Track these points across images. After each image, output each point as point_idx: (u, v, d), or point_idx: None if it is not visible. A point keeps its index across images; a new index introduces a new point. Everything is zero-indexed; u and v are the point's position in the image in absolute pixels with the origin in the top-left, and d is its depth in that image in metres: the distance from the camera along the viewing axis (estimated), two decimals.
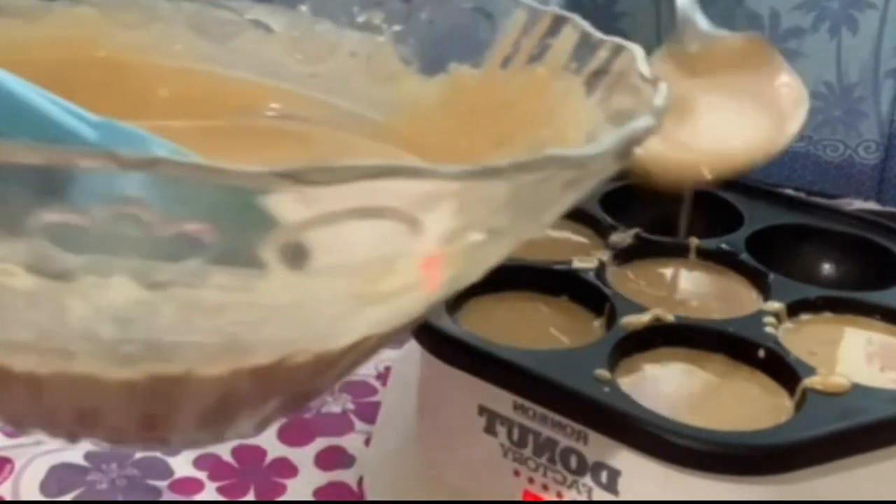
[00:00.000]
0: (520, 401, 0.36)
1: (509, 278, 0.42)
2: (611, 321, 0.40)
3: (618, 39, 0.31)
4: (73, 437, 0.28)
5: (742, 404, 0.37)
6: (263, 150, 0.36)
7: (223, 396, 0.26)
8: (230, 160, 0.19)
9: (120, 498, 0.41)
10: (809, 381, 0.36)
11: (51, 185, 0.19)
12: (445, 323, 0.38)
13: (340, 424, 0.46)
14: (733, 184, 0.52)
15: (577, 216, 0.48)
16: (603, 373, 0.36)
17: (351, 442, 0.45)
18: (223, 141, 0.35)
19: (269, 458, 0.43)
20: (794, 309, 0.41)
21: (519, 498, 0.37)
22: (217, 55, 0.37)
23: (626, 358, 0.38)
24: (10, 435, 0.44)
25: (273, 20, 0.38)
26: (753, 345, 0.38)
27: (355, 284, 0.23)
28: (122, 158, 0.18)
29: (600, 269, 0.43)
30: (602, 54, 0.31)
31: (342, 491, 0.42)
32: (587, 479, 0.35)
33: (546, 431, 0.36)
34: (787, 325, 0.41)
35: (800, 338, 0.40)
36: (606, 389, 0.35)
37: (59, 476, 0.42)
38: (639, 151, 0.25)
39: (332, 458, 0.44)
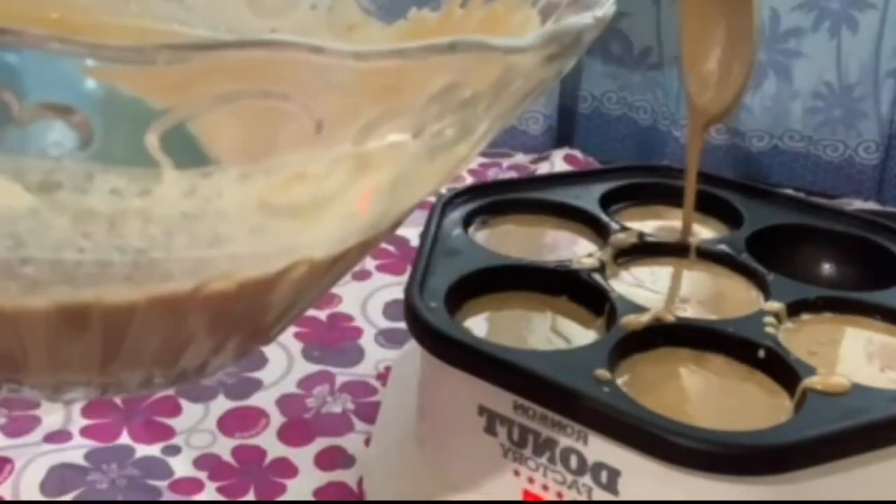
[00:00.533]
0: (520, 401, 0.36)
1: (509, 278, 0.42)
2: (611, 321, 0.40)
3: None
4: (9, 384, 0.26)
5: (742, 404, 0.37)
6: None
7: (142, 330, 0.24)
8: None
9: (120, 498, 0.41)
10: (809, 381, 0.36)
11: None
12: (445, 323, 0.38)
13: (340, 424, 0.46)
14: (733, 184, 0.52)
15: (577, 216, 0.48)
16: (603, 373, 0.36)
17: (351, 442, 0.45)
18: None
19: (269, 458, 0.43)
20: (794, 309, 0.41)
21: (519, 498, 0.37)
22: (174, 14, 0.37)
23: (626, 358, 0.38)
24: (10, 435, 0.44)
25: None
26: (753, 345, 0.38)
27: (262, 190, 0.21)
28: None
29: (600, 269, 0.43)
30: None
31: (342, 491, 0.42)
32: (587, 479, 0.35)
33: (546, 431, 0.36)
34: (787, 325, 0.41)
35: (800, 338, 0.40)
36: (606, 389, 0.35)
37: (59, 476, 0.42)
38: None
39: (332, 458, 0.44)
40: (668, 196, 0.51)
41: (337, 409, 0.47)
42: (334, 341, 0.52)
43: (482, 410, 0.37)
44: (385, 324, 0.54)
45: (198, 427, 0.45)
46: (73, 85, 0.19)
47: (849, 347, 0.40)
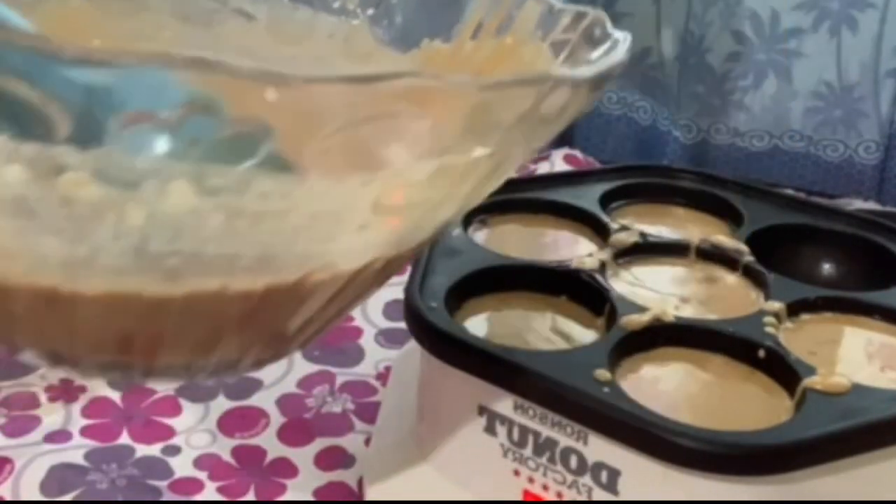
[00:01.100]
0: (520, 401, 0.36)
1: (509, 278, 0.42)
2: (611, 321, 0.40)
3: (580, 7, 0.34)
4: (103, 371, 0.30)
5: (742, 404, 0.37)
6: None
7: (251, 314, 0.27)
8: None
9: (120, 498, 0.41)
10: (809, 381, 0.36)
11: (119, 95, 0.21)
12: (445, 323, 0.38)
13: (340, 424, 0.46)
14: (733, 184, 0.52)
15: (577, 216, 0.48)
16: (603, 373, 0.36)
17: (351, 442, 0.45)
18: None
19: (269, 458, 0.43)
20: (794, 309, 0.41)
21: (519, 498, 0.37)
22: (203, 42, 0.38)
23: (626, 358, 0.38)
24: (10, 435, 0.44)
25: (255, 8, 0.39)
26: (753, 345, 0.38)
27: (378, 195, 0.25)
28: (175, 59, 0.20)
29: (600, 269, 0.43)
30: (565, 20, 0.34)
31: (342, 491, 0.42)
32: (587, 479, 0.35)
33: (546, 431, 0.36)
34: (787, 325, 0.41)
35: (800, 338, 0.40)
36: (606, 389, 0.35)
37: (59, 476, 0.42)
38: None
39: (332, 458, 0.44)
40: (668, 196, 0.51)
41: (337, 409, 0.47)
42: (334, 341, 0.52)
43: (482, 410, 0.37)
44: (385, 324, 0.54)
45: (198, 427, 0.45)
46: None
47: (849, 347, 0.40)
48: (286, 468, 0.43)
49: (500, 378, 0.36)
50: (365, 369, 0.50)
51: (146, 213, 0.23)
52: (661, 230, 0.48)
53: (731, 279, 0.45)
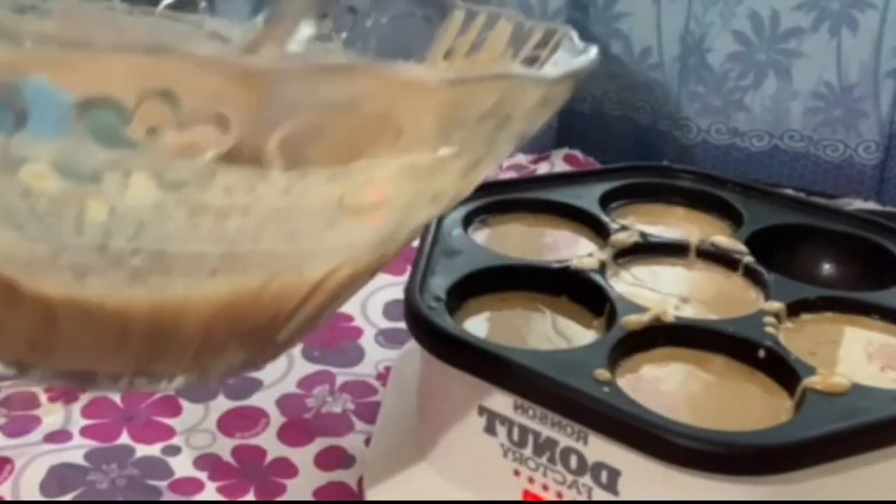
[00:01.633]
0: (520, 401, 0.36)
1: (509, 278, 0.42)
2: (611, 321, 0.40)
3: (549, 24, 0.34)
4: (76, 381, 0.30)
5: (742, 404, 0.37)
6: None
7: (213, 326, 0.27)
8: None
9: (120, 498, 0.41)
10: (809, 381, 0.36)
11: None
12: (445, 323, 0.38)
13: (340, 424, 0.46)
14: (733, 184, 0.52)
15: (577, 216, 0.48)
16: (603, 373, 0.36)
17: (351, 442, 0.45)
18: None
19: (269, 458, 0.43)
20: (794, 309, 0.41)
21: (519, 498, 0.37)
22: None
23: (626, 358, 0.38)
24: (10, 435, 0.44)
25: (229, 32, 0.39)
26: (753, 345, 0.38)
27: (342, 191, 0.25)
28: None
29: (600, 269, 0.43)
30: (536, 37, 0.34)
31: (342, 491, 0.42)
32: (587, 479, 0.35)
33: (546, 431, 0.36)
34: (787, 325, 0.41)
35: (800, 338, 0.40)
36: (606, 389, 0.35)
37: (59, 476, 0.42)
38: None
39: (332, 458, 0.44)
40: (668, 196, 0.51)
41: (337, 409, 0.47)
42: (334, 341, 0.52)
43: (482, 410, 0.37)
44: (385, 324, 0.54)
45: (198, 427, 0.45)
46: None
47: (849, 347, 0.40)
48: (286, 468, 0.43)
49: (500, 378, 0.36)
50: (365, 369, 0.50)
51: (108, 208, 0.23)
52: (661, 230, 0.48)
53: (731, 279, 0.45)
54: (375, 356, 0.51)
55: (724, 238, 0.46)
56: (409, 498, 0.39)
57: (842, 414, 0.34)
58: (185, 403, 0.47)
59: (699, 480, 0.33)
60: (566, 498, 0.36)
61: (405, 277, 0.41)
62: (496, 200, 0.49)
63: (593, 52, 0.30)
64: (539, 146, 0.80)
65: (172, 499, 0.41)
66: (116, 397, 0.47)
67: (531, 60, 0.34)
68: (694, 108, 0.77)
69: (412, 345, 0.41)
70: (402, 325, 0.40)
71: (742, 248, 0.46)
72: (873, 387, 0.36)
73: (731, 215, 0.49)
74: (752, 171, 0.76)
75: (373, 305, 0.55)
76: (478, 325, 0.40)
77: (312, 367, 0.50)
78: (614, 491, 0.35)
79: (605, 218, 0.48)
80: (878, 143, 0.73)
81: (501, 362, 0.36)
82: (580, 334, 0.40)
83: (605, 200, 0.50)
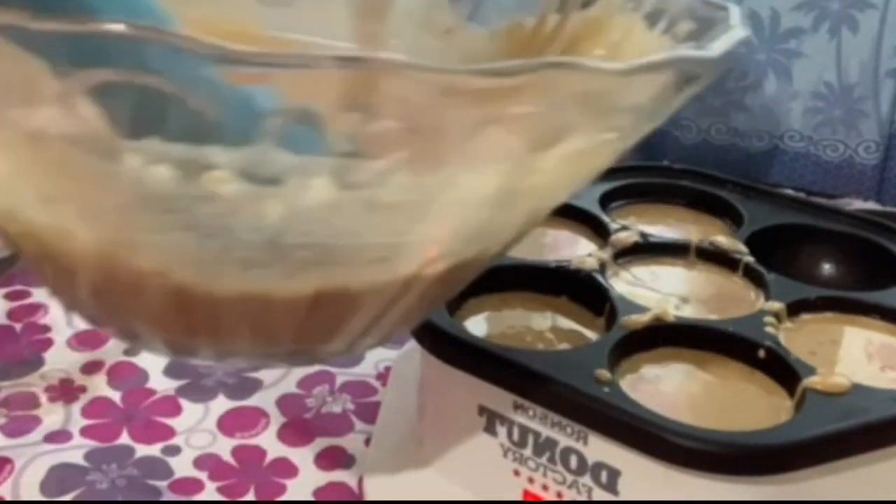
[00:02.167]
0: (520, 401, 0.36)
1: (509, 278, 0.42)
2: (611, 321, 0.40)
3: None
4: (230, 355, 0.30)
5: (742, 404, 0.37)
6: None
7: (368, 309, 0.27)
8: None
9: (120, 498, 0.41)
10: (809, 381, 0.36)
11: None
12: (445, 323, 0.38)
13: (340, 424, 0.46)
14: (733, 184, 0.52)
15: (577, 216, 0.48)
16: (603, 373, 0.36)
17: (351, 442, 0.45)
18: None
19: (269, 458, 0.43)
20: (794, 309, 0.41)
21: (519, 498, 0.37)
22: (284, 22, 0.38)
23: (626, 358, 0.38)
24: (10, 435, 0.44)
25: None
26: (753, 345, 0.38)
27: (512, 178, 0.25)
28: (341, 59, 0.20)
29: (600, 269, 0.43)
30: None
31: (342, 491, 0.42)
32: (587, 479, 0.35)
33: (546, 431, 0.36)
34: (787, 325, 0.41)
35: (800, 338, 0.40)
36: (606, 389, 0.35)
37: (59, 476, 0.42)
38: None
39: (332, 458, 0.44)
40: (668, 196, 0.51)
41: (337, 409, 0.47)
42: None
43: (482, 410, 0.37)
44: None
45: (198, 427, 0.45)
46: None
47: (849, 347, 0.40)
48: (286, 468, 0.43)
49: (500, 378, 0.36)
50: (365, 369, 0.50)
51: (284, 208, 0.23)
52: (661, 230, 0.48)
53: (731, 279, 0.45)
54: (375, 356, 0.51)
55: (724, 238, 0.46)
56: (409, 498, 0.39)
57: (842, 414, 0.34)
58: (185, 403, 0.47)
59: (699, 480, 0.33)
60: (566, 498, 0.36)
61: None
62: None
63: (735, 10, 0.29)
64: None
65: (172, 499, 0.41)
66: (116, 397, 0.47)
67: (654, 15, 0.32)
68: (694, 108, 0.77)
69: (412, 345, 0.41)
70: None
71: (742, 248, 0.46)
72: (873, 387, 0.36)
73: (731, 215, 0.49)
74: (752, 171, 0.76)
75: None
76: (478, 324, 0.40)
77: (312, 367, 0.50)
78: (614, 491, 0.35)
79: (605, 218, 0.48)
80: (878, 144, 0.73)
81: (501, 362, 0.36)
82: (580, 334, 0.40)
83: (605, 200, 0.50)
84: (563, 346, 0.39)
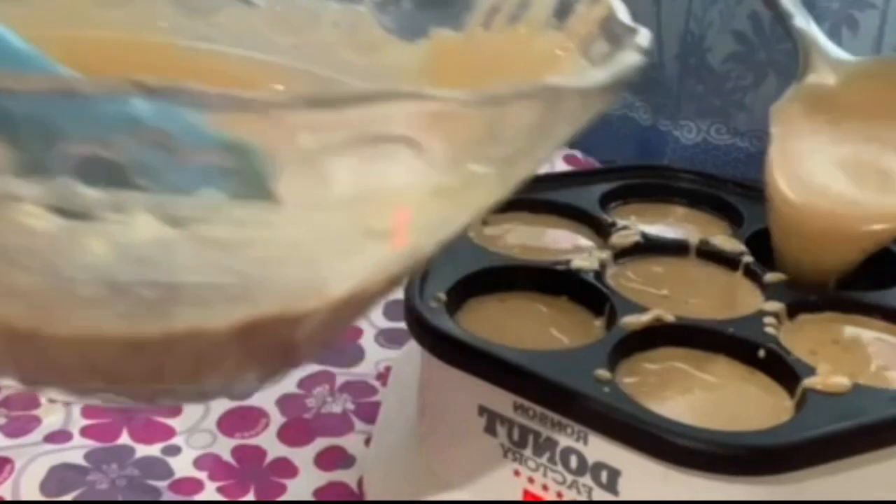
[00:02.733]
0: (520, 401, 0.36)
1: (509, 278, 0.42)
2: (611, 321, 0.40)
3: None
4: (85, 394, 0.29)
5: (742, 404, 0.37)
6: None
7: (228, 350, 0.26)
8: None
9: (120, 498, 0.41)
10: (809, 381, 0.36)
11: (71, 117, 0.19)
12: (445, 323, 0.38)
13: (340, 424, 0.46)
14: (734, 184, 0.52)
15: (577, 216, 0.48)
16: (603, 373, 0.36)
17: (351, 442, 0.45)
18: None
19: (269, 458, 0.43)
20: (794, 309, 0.41)
21: (519, 498, 0.37)
22: (202, 32, 0.37)
23: (626, 358, 0.38)
24: (10, 435, 0.44)
25: None
26: (753, 345, 0.38)
27: (364, 217, 0.23)
28: (149, 86, 0.18)
29: (600, 269, 0.43)
30: (581, 8, 0.32)
31: (342, 491, 0.42)
32: (587, 479, 0.35)
33: (546, 431, 0.36)
34: (787, 325, 0.41)
35: (800, 338, 0.40)
36: (606, 389, 0.35)
37: (59, 476, 0.42)
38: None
39: (332, 458, 0.44)
40: (668, 196, 0.51)
41: (337, 409, 0.47)
42: None
43: (482, 410, 0.37)
44: (385, 324, 0.53)
45: (198, 427, 0.45)
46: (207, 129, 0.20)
47: (849, 347, 0.40)
48: (286, 468, 0.43)
49: (500, 378, 0.36)
50: (365, 369, 0.50)
51: (108, 245, 0.22)
52: (661, 230, 0.48)
53: (731, 279, 0.44)
54: (375, 356, 0.51)
55: (724, 238, 0.46)
56: (409, 498, 0.39)
57: (842, 414, 0.34)
58: (185, 403, 0.47)
59: (699, 480, 0.33)
60: (566, 498, 0.36)
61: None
62: None
63: (644, 38, 0.28)
64: None
65: (172, 499, 0.41)
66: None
67: (577, 36, 0.31)
68: (694, 108, 0.77)
69: (412, 345, 0.41)
70: (402, 325, 0.40)
71: (742, 248, 0.45)
72: (873, 387, 0.36)
73: (731, 215, 0.49)
74: (752, 171, 0.76)
75: None
76: (478, 325, 0.40)
77: (312, 367, 0.50)
78: (614, 491, 0.35)
79: (605, 218, 0.48)
80: None
81: (501, 362, 0.36)
82: (580, 334, 0.40)
83: (605, 200, 0.50)
84: (563, 346, 0.39)
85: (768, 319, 0.40)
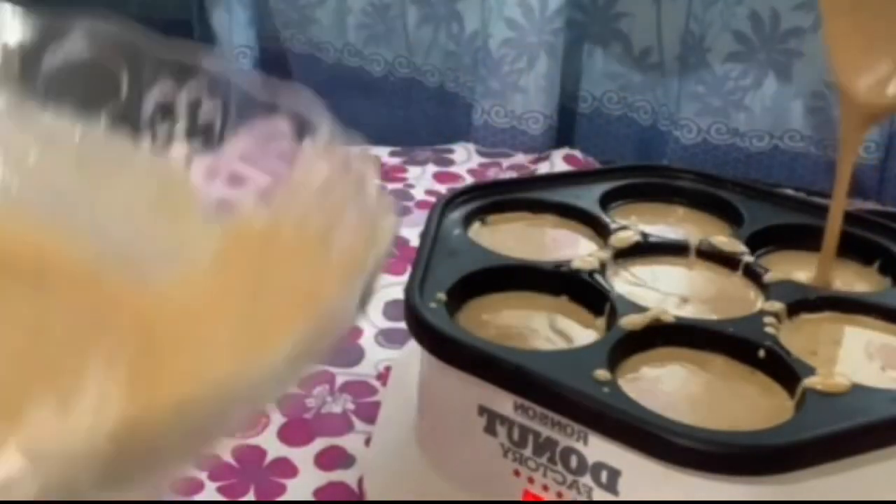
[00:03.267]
0: (520, 401, 0.36)
1: (509, 278, 0.42)
2: (611, 321, 0.40)
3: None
4: None
5: (742, 404, 0.37)
6: None
7: None
8: None
9: None
10: (809, 381, 0.36)
11: None
12: (445, 323, 0.38)
13: (340, 424, 0.46)
14: (733, 184, 0.52)
15: (577, 216, 0.48)
16: (603, 373, 0.36)
17: (351, 442, 0.45)
18: None
19: (269, 458, 0.43)
20: (794, 309, 0.41)
21: (519, 498, 0.37)
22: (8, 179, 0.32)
23: (626, 358, 0.38)
24: None
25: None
26: (753, 345, 0.38)
27: None
28: None
29: (600, 269, 0.43)
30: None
31: (342, 491, 0.42)
32: (587, 479, 0.35)
33: (546, 431, 0.36)
34: (787, 324, 0.41)
35: (800, 338, 0.40)
36: (606, 389, 0.35)
37: None
38: None
39: (332, 458, 0.44)
40: (668, 196, 0.51)
41: (337, 409, 0.47)
42: None
43: (482, 410, 0.37)
44: (385, 324, 0.54)
45: None
46: None
47: (849, 347, 0.40)
48: (286, 468, 0.43)
49: (500, 378, 0.36)
50: (365, 369, 0.50)
51: None
52: (661, 230, 0.48)
53: (731, 279, 0.44)
54: (375, 356, 0.51)
55: (724, 238, 0.46)
56: (409, 498, 0.39)
57: (842, 414, 0.34)
58: None
59: (699, 480, 0.33)
60: (566, 498, 0.36)
61: (405, 277, 0.41)
62: (496, 200, 0.49)
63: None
64: (539, 146, 0.80)
65: (173, 498, 0.41)
66: None
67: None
68: (694, 108, 0.77)
69: (412, 345, 0.41)
70: (402, 325, 0.40)
71: (742, 248, 0.45)
72: (873, 387, 0.36)
73: (731, 215, 0.49)
74: (752, 171, 0.76)
75: (373, 305, 0.55)
76: (478, 325, 0.40)
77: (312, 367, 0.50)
78: (614, 491, 0.35)
79: (605, 218, 0.48)
80: (878, 144, 0.73)
81: (501, 362, 0.36)
82: (580, 334, 0.40)
83: (605, 200, 0.50)
84: (563, 346, 0.39)
85: (768, 319, 0.40)
